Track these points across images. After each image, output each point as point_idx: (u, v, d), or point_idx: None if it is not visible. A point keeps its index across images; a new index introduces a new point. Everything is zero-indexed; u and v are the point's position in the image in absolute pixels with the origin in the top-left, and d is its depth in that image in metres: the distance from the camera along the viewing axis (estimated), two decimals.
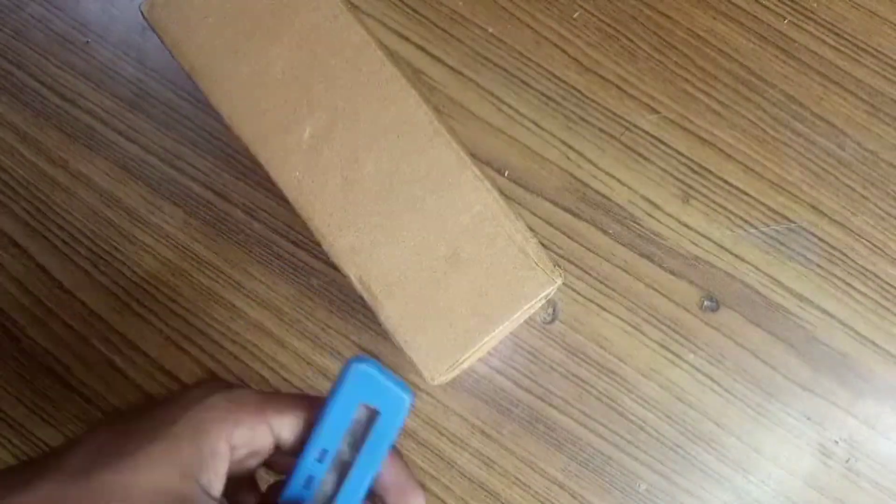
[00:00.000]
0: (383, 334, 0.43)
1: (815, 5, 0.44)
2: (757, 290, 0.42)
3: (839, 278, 0.42)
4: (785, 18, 0.44)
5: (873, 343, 0.42)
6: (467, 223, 0.32)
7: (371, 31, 0.34)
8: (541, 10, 0.45)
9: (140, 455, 0.23)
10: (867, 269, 0.42)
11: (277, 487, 0.26)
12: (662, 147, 0.43)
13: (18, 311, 0.45)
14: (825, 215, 0.43)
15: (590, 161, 0.43)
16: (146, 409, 0.25)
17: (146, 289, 0.44)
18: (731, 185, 0.43)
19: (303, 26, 0.34)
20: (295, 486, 0.25)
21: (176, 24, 0.34)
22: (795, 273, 0.42)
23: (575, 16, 0.45)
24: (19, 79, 0.47)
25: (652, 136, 0.43)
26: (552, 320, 0.43)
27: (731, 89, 0.44)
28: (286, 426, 0.25)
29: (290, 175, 0.33)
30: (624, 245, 0.43)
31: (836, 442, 0.41)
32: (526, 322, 0.43)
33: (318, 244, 0.33)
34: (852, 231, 0.42)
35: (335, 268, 0.33)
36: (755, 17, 0.44)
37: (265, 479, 0.28)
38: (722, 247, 0.43)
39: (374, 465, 0.25)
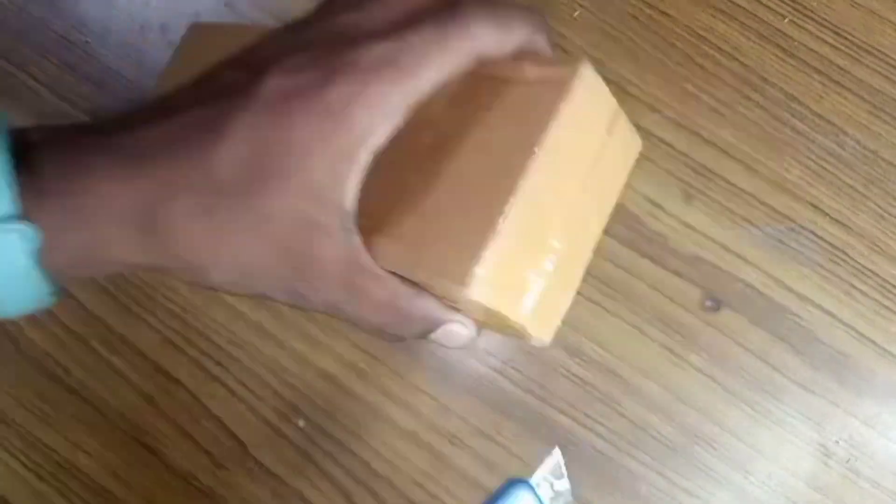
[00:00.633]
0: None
1: (816, 4, 0.44)
2: (758, 289, 0.42)
3: (840, 278, 0.42)
4: (785, 17, 0.44)
5: (874, 343, 0.42)
6: None
7: None
8: (542, 10, 0.45)
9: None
10: (868, 269, 0.42)
11: None
12: (664, 146, 0.43)
13: None
14: (826, 214, 0.43)
15: None
16: None
17: (145, 290, 0.44)
18: (732, 184, 0.43)
19: None
20: None
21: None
22: (796, 273, 0.42)
23: (575, 15, 0.45)
24: (19, 79, 0.47)
25: (653, 135, 0.43)
26: None
27: (731, 88, 0.44)
28: None
29: None
30: (626, 245, 0.43)
31: (837, 442, 0.41)
32: None
33: None
34: (853, 230, 0.42)
35: None
36: (755, 15, 0.44)
37: None
38: (723, 246, 0.43)
39: None
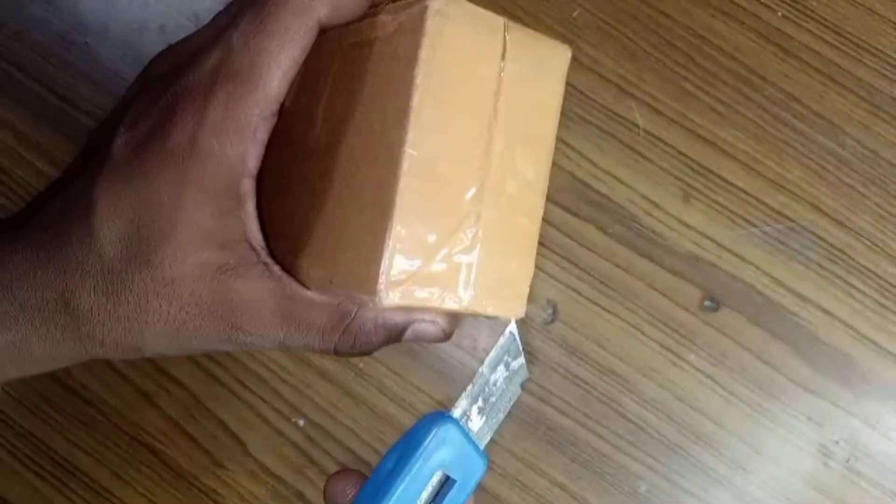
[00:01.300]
0: None
1: (815, 4, 0.44)
2: (757, 289, 0.42)
3: (840, 277, 0.42)
4: (784, 16, 0.44)
5: (874, 342, 0.42)
6: None
7: None
8: (540, 9, 0.45)
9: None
10: (867, 268, 0.42)
11: None
12: (662, 146, 0.43)
13: None
14: (825, 214, 0.43)
15: (589, 160, 0.43)
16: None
17: None
18: (731, 184, 0.43)
19: None
20: None
21: None
22: (796, 272, 0.42)
23: (574, 14, 0.45)
24: (18, 79, 0.47)
25: (652, 134, 0.43)
26: (552, 320, 0.43)
27: (731, 88, 0.44)
28: None
29: None
30: (624, 245, 0.43)
31: (837, 442, 0.41)
32: (526, 322, 0.43)
33: None
34: (852, 230, 0.42)
35: None
36: (755, 15, 0.44)
37: None
38: (722, 246, 0.43)
39: None
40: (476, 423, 0.23)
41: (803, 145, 0.43)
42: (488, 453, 0.24)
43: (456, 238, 0.21)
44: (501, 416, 0.24)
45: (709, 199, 0.43)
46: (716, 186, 0.43)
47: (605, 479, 0.42)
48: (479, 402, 0.23)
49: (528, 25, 0.40)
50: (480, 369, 0.24)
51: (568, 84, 0.45)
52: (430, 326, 0.23)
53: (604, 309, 0.42)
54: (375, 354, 0.43)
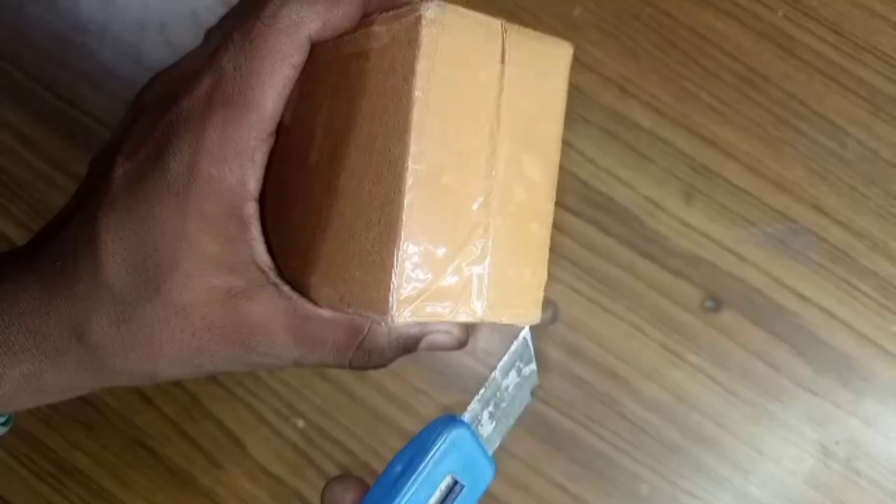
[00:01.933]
0: None
1: (816, 4, 0.44)
2: (759, 290, 0.42)
3: (841, 278, 0.42)
4: (785, 16, 0.44)
5: (875, 343, 0.42)
6: None
7: None
8: (541, 9, 0.45)
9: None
10: (869, 269, 0.42)
11: None
12: (664, 146, 0.43)
13: None
14: (827, 214, 0.42)
15: (591, 161, 0.43)
16: None
17: None
18: (732, 184, 0.43)
19: None
20: None
21: None
22: (797, 273, 0.42)
23: (575, 14, 0.45)
24: (18, 79, 0.47)
25: (653, 134, 0.43)
26: (552, 321, 0.43)
27: (732, 88, 0.44)
28: None
29: None
30: (625, 245, 0.43)
31: (837, 442, 0.41)
32: None
33: None
34: (854, 230, 0.42)
35: None
36: (756, 15, 0.44)
37: None
38: (724, 246, 0.42)
39: None
40: (486, 428, 0.24)
41: (804, 145, 0.43)
42: (494, 457, 0.24)
43: (466, 250, 0.20)
44: (511, 421, 0.24)
45: (710, 199, 0.43)
46: (717, 187, 0.43)
47: (605, 480, 0.42)
48: (490, 407, 0.23)
49: (528, 24, 0.40)
50: (493, 374, 0.24)
51: (569, 84, 0.45)
52: (444, 337, 0.24)
53: (604, 309, 0.42)
54: None
